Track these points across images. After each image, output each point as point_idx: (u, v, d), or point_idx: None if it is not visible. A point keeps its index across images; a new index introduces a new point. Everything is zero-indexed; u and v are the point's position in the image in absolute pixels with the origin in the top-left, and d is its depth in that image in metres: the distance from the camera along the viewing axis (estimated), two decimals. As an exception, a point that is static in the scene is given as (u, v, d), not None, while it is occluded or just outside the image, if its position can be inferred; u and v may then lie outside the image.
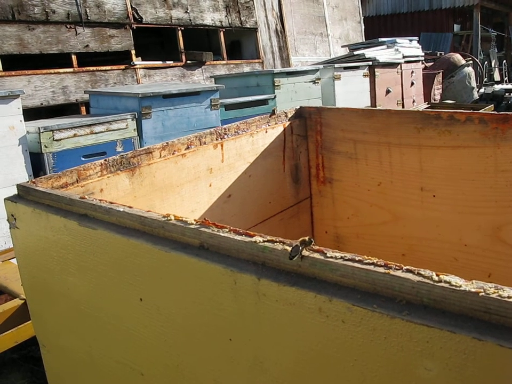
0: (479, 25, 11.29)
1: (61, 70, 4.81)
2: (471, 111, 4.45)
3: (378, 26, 14.21)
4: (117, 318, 0.96)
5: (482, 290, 0.54)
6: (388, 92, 5.62)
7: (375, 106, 5.52)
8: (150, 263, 0.83)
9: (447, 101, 6.79)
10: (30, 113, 4.20)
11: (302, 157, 1.82)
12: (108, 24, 5.17)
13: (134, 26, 5.32)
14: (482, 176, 1.48)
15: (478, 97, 7.83)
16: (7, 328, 2.35)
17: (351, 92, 5.35)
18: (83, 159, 3.53)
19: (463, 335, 0.53)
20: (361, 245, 1.80)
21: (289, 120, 1.76)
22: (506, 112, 1.42)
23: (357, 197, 1.76)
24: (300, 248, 0.66)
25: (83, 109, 4.92)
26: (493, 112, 1.44)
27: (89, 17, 5.01)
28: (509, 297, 0.53)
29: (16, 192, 1.14)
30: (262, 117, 1.68)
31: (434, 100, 6.78)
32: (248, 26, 6.43)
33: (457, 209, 1.55)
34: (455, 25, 13.57)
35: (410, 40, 6.36)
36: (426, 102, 6.29)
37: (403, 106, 5.83)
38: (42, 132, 3.31)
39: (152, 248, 0.81)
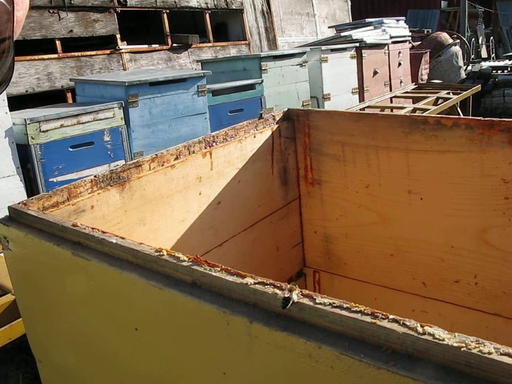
0: (466, 1, 11.23)
1: (45, 56, 4.75)
2: (458, 91, 4.45)
3: (365, 3, 14.08)
4: (111, 345, 0.99)
5: (464, 345, 0.57)
6: (375, 73, 5.61)
7: (363, 88, 5.52)
8: (144, 297, 0.85)
9: (435, 81, 6.80)
10: (15, 101, 4.17)
11: (290, 159, 1.83)
12: (91, 8, 5.10)
13: (119, 10, 5.26)
14: (468, 181, 1.51)
15: (465, 76, 7.84)
16: (0, 325, 2.35)
17: (339, 74, 5.34)
18: (71, 149, 3.52)
19: (445, 390, 0.56)
20: (350, 245, 1.83)
21: (277, 123, 1.77)
22: (492, 119, 1.44)
23: (345, 198, 1.79)
24: (291, 297, 0.68)
25: (69, 95, 4.88)
26: (479, 118, 1.46)
27: (72, 1, 4.94)
28: (489, 353, 0.56)
29: (7, 214, 1.15)
30: (250, 121, 1.69)
31: (422, 80, 6.79)
32: (234, 8, 6.37)
33: (444, 212, 1.58)
34: (442, 1, 13.48)
35: (397, 20, 6.33)
36: (414, 83, 6.29)
37: (390, 87, 5.84)
38: (29, 124, 3.29)
39: (145, 284, 0.83)
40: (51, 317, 1.13)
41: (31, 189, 3.41)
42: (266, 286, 0.73)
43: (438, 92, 5.64)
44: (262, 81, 4.58)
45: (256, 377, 0.75)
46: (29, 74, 4.67)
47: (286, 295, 0.68)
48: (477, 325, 1.64)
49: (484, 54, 12.03)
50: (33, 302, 1.17)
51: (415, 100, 5.57)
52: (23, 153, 3.36)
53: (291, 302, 0.68)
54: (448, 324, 1.69)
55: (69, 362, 1.16)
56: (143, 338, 0.90)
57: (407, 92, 5.95)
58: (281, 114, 1.79)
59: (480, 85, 5.93)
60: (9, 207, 1.14)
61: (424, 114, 1.57)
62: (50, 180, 3.41)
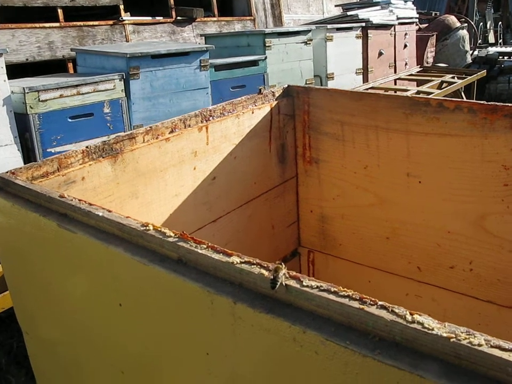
0: (476, -16, 11.06)
1: (47, 25, 4.68)
2: (463, 75, 4.40)
3: (373, -20, 13.83)
4: (96, 319, 0.97)
5: (454, 335, 0.55)
6: (380, 54, 5.53)
7: (367, 69, 5.44)
8: (129, 272, 0.83)
9: (440, 64, 6.71)
10: (15, 70, 4.11)
11: (288, 136, 1.80)
12: (95, -24, 5.02)
13: (123, -21, 5.17)
14: (469, 166, 1.48)
15: (471, 61, 7.73)
16: (-7, 295, 2.35)
17: (343, 53, 5.26)
18: (70, 120, 3.48)
19: (432, 381, 0.54)
20: (345, 226, 1.81)
21: (276, 99, 1.73)
22: (496, 103, 1.41)
23: (342, 178, 1.76)
24: (280, 277, 0.66)
25: (70, 65, 4.82)
26: (482, 102, 1.42)
27: (76, -31, 4.85)
28: (479, 345, 0.53)
29: (-5, 183, 1.12)
30: (249, 96, 1.65)
31: (427, 63, 6.69)
32: (240, -18, 6.26)
33: (442, 196, 1.55)
34: (451, -17, 13.27)
35: (405, 1, 6.22)
36: (419, 65, 6.21)
37: (395, 69, 5.75)
38: (27, 93, 3.25)
39: (130, 259, 0.81)
40: (37, 289, 1.11)
41: (29, 158, 3.38)
42: (252, 266, 0.70)
43: (443, 76, 5.57)
44: (266, 57, 4.52)
45: (240, 360, 0.73)
46: (29, 42, 4.61)
47: (273, 276, 0.66)
48: (470, 312, 1.62)
49: (492, 39, 11.84)
50: (19, 274, 1.15)
51: (419, 83, 5.50)
52: (21, 122, 3.32)
53: (279, 282, 0.65)
54: (441, 309, 1.68)
55: (54, 335, 1.14)
56: (127, 314, 0.88)
57: (411, 75, 5.87)
58: (281, 91, 1.75)
59: (485, 70, 5.84)
60: (-4, 176, 1.11)
61: (428, 96, 1.54)
62: (48, 150, 3.38)
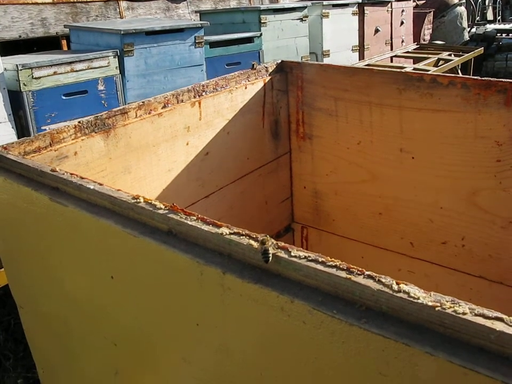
0: (475, -42, 10.93)
1: (39, 1, 4.62)
2: (460, 53, 4.37)
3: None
4: (89, 292, 0.98)
5: (439, 304, 0.55)
6: (376, 31, 5.49)
7: (363, 46, 5.41)
8: (120, 245, 0.83)
9: (437, 42, 6.66)
10: (8, 47, 4.07)
11: (282, 112, 1.80)
12: (88, -49, 4.94)
13: (117, -46, 5.10)
14: (461, 141, 1.48)
15: (469, 38, 7.69)
16: (-12, 272, 2.35)
17: (339, 30, 5.23)
18: (64, 97, 3.46)
19: (416, 349, 0.54)
20: (339, 202, 1.81)
21: (269, 75, 1.73)
22: (489, 78, 1.40)
23: (336, 154, 1.76)
24: (270, 249, 0.66)
25: (64, 42, 4.77)
26: (476, 77, 1.42)
27: None
28: (463, 313, 0.54)
29: (-13, 158, 1.12)
30: (242, 72, 1.64)
31: (424, 40, 6.65)
32: (236, -43, 6.17)
33: (435, 172, 1.56)
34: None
35: (402, -23, 6.17)
36: (416, 43, 6.17)
37: (392, 47, 5.72)
38: (21, 70, 3.22)
39: (121, 231, 0.81)
40: (30, 263, 1.12)
41: (23, 136, 3.36)
42: (241, 237, 0.71)
43: (440, 53, 5.54)
44: (261, 34, 4.49)
45: (229, 329, 0.74)
46: (22, 19, 4.56)
47: (264, 249, 0.66)
48: (461, 287, 1.64)
49: (490, 16, 11.73)
50: (13, 248, 1.16)
51: (416, 60, 5.47)
52: (15, 100, 3.30)
53: (271, 255, 0.66)
54: (433, 284, 1.69)
55: (49, 308, 1.15)
56: (119, 286, 0.89)
57: (408, 52, 5.83)
58: (274, 66, 1.74)
59: (482, 48, 5.80)
60: (-12, 150, 1.11)
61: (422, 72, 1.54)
62: (42, 127, 3.36)
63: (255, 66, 1.67)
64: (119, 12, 5.18)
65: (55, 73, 3.40)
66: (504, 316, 0.53)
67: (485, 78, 1.41)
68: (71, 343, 1.15)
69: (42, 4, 4.62)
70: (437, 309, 0.55)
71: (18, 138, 3.26)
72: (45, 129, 3.34)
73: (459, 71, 5.41)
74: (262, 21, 4.52)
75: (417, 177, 1.60)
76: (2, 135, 3.22)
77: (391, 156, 1.63)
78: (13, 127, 3.26)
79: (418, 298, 0.57)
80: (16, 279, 1.21)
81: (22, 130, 3.37)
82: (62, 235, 0.96)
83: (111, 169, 1.33)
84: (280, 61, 1.76)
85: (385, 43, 5.71)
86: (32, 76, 3.30)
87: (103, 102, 3.66)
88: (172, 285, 0.78)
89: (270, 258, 0.66)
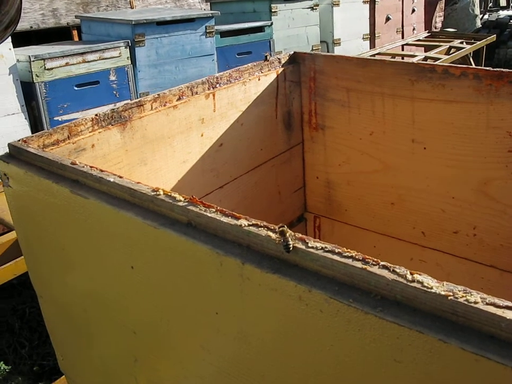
0: None
1: (51, -9, 4.65)
2: (472, 40, 4.35)
3: None
4: (109, 281, 1.01)
5: (451, 293, 0.57)
6: (387, 19, 5.48)
7: (374, 35, 5.40)
8: (140, 236, 0.86)
9: (448, 29, 6.62)
10: (20, 38, 4.10)
11: (294, 103, 1.81)
12: None
13: None
14: (473, 132, 1.49)
15: (481, 25, 7.62)
16: (5, 261, 2.39)
17: (350, 18, 5.22)
18: (76, 88, 3.49)
19: (430, 336, 0.57)
20: (351, 192, 1.83)
21: (282, 66, 1.74)
22: (501, 69, 1.41)
23: (348, 144, 1.78)
24: (290, 240, 0.68)
25: (75, 33, 4.80)
26: (488, 68, 1.43)
27: None
28: (475, 302, 0.56)
29: (7, 151, 1.15)
30: (255, 63, 1.66)
31: (435, 28, 6.62)
32: None
33: (447, 162, 1.57)
34: None
35: (414, -36, 6.13)
36: (427, 31, 6.14)
37: (403, 35, 5.70)
38: (33, 61, 3.26)
39: (141, 223, 0.84)
40: (50, 254, 1.15)
41: (36, 127, 3.41)
42: (259, 228, 0.73)
43: (451, 41, 5.51)
44: (272, 23, 4.49)
45: (248, 318, 0.76)
46: (33, 9, 4.58)
47: (283, 239, 0.69)
48: (473, 276, 1.65)
49: (503, 2, 11.59)
50: (33, 239, 1.19)
51: (427, 48, 5.45)
52: (27, 91, 3.33)
53: (291, 245, 0.68)
54: (445, 273, 1.71)
55: (68, 298, 1.19)
56: (139, 276, 0.92)
57: (419, 40, 5.81)
58: (287, 58, 1.76)
59: (495, 35, 5.77)
60: (9, 144, 1.14)
61: (435, 63, 1.55)
62: (55, 118, 3.40)
63: (268, 58, 1.68)
64: (129, 1, 5.20)
65: (67, 64, 3.43)
66: (515, 305, 0.55)
67: (497, 69, 1.42)
68: (90, 331, 1.18)
69: (53, -6, 4.65)
70: (449, 298, 0.57)
71: (31, 128, 3.31)
72: (58, 120, 3.38)
73: (471, 59, 5.38)
74: (272, 10, 4.53)
75: (429, 168, 1.61)
76: (16, 126, 3.26)
77: (403, 146, 1.64)
78: (25, 118, 3.30)
79: (431, 288, 0.59)
80: (36, 269, 1.25)
81: (34, 121, 3.41)
82: (83, 226, 0.99)
83: (128, 161, 1.36)
84: (292, 52, 1.78)
85: (396, 31, 5.70)
86: (45, 67, 3.33)
87: (114, 92, 3.69)
88: (191, 275, 0.81)
89: (291, 247, 0.68)
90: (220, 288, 0.78)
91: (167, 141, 1.44)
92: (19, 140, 1.14)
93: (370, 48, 5.43)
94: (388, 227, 1.79)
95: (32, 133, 3.28)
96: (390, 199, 1.74)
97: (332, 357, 0.67)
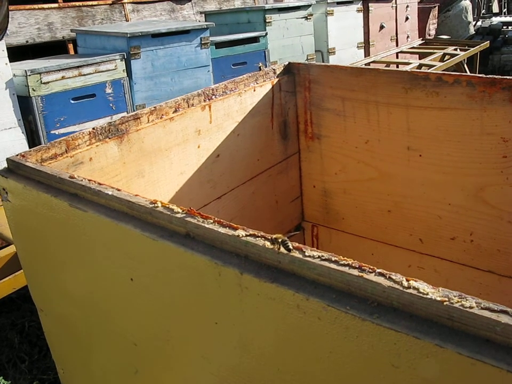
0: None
1: (45, 6, 4.67)
2: (466, 47, 4.38)
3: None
4: (109, 294, 1.01)
5: (447, 299, 0.58)
6: (381, 27, 5.51)
7: (368, 43, 5.43)
8: (139, 248, 0.87)
9: (442, 37, 6.67)
10: (16, 52, 4.12)
11: (290, 113, 1.83)
12: (93, -45, 4.99)
13: (121, -43, 5.14)
14: (468, 138, 1.51)
15: (474, 32, 7.67)
16: (4, 275, 2.39)
17: (344, 27, 5.25)
18: (72, 101, 3.50)
19: (426, 341, 0.57)
20: (348, 200, 1.84)
21: (277, 76, 1.76)
22: (494, 76, 1.43)
23: (344, 153, 1.79)
24: (288, 241, 0.70)
25: (71, 46, 4.82)
26: (481, 75, 1.44)
27: None
28: (470, 307, 0.57)
29: (6, 166, 1.16)
30: (250, 74, 1.67)
31: (429, 35, 6.66)
32: (239, -43, 6.20)
33: (443, 169, 1.58)
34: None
35: (406, -28, 6.18)
36: (421, 38, 6.18)
37: (397, 42, 5.74)
38: (30, 75, 3.27)
39: (140, 235, 0.85)
40: (50, 268, 1.16)
41: (33, 141, 3.41)
42: (257, 238, 0.74)
43: (445, 48, 5.55)
44: (266, 34, 4.52)
45: (247, 327, 0.77)
46: (29, 24, 4.60)
47: (281, 240, 0.70)
48: (471, 281, 1.66)
49: (495, 8, 11.66)
50: (32, 253, 1.20)
51: (422, 56, 5.48)
52: (24, 105, 3.34)
53: (290, 244, 0.69)
54: (443, 280, 1.72)
55: (69, 311, 1.19)
56: (138, 288, 0.92)
57: (413, 48, 5.85)
58: (282, 68, 1.77)
59: (488, 42, 5.80)
60: (7, 159, 1.15)
61: (428, 70, 1.56)
62: (52, 132, 3.41)
63: (262, 68, 1.70)
64: (125, 14, 5.22)
65: (63, 77, 3.45)
66: (508, 309, 0.56)
67: (490, 76, 1.44)
68: (91, 344, 1.19)
69: (48, 8, 4.67)
70: (445, 303, 0.58)
71: (28, 143, 3.31)
72: (55, 134, 3.39)
73: (465, 66, 5.42)
74: (267, 21, 4.55)
75: (425, 175, 1.63)
76: (13, 140, 3.27)
77: (399, 154, 1.65)
78: (22, 132, 3.31)
79: (427, 294, 0.60)
80: (36, 282, 1.25)
81: (31, 135, 3.42)
82: (82, 239, 1.00)
83: (125, 173, 1.36)
84: (287, 62, 1.79)
85: (391, 39, 5.74)
86: (41, 81, 3.34)
87: (111, 105, 3.70)
88: (190, 285, 0.82)
89: (291, 247, 0.69)
90: (218, 298, 0.78)
91: (164, 153, 1.45)
92: (17, 155, 1.15)
93: (365, 57, 5.46)
94: (385, 234, 1.80)
95: (30, 147, 3.30)
96: (387, 207, 1.75)
97: (331, 363, 0.68)
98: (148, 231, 0.85)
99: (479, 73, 1.37)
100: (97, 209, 0.94)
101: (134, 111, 3.70)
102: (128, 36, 3.66)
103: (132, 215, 0.90)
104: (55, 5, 4.71)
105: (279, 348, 0.75)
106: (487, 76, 1.44)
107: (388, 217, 1.76)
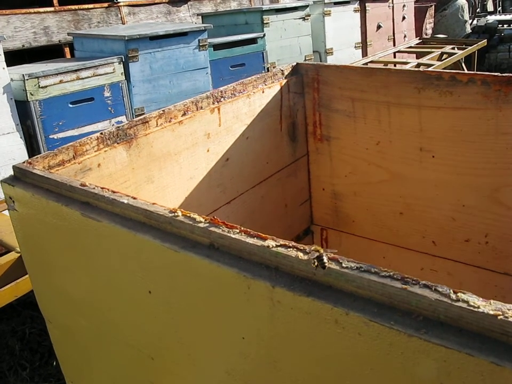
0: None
1: (41, 10, 4.63)
2: (463, 46, 4.36)
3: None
4: (124, 306, 0.97)
5: (500, 313, 0.55)
6: (378, 27, 5.49)
7: (366, 43, 5.41)
8: (159, 260, 0.83)
9: (439, 36, 6.65)
10: (12, 57, 4.07)
11: (299, 114, 1.79)
12: (88, -42, 4.95)
13: (116, -40, 5.10)
14: (483, 139, 1.47)
15: (471, 31, 7.66)
16: (5, 282, 2.35)
17: (342, 28, 5.23)
18: (70, 105, 3.46)
19: (481, 358, 0.54)
20: (358, 203, 1.81)
21: (285, 77, 1.72)
22: (510, 74, 1.39)
23: (354, 155, 1.75)
24: (325, 258, 0.65)
25: (67, 50, 4.77)
26: (496, 74, 1.41)
27: (68, -49, 4.78)
28: (528, 321, 0.53)
29: (12, 173, 1.11)
30: (258, 76, 1.64)
31: (426, 35, 6.65)
32: (235, -42, 6.17)
33: (456, 170, 1.55)
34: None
35: (403, -28, 6.16)
36: (418, 37, 6.16)
37: (394, 42, 5.72)
38: (27, 79, 3.22)
39: (160, 246, 0.81)
40: (60, 279, 1.11)
41: (31, 146, 3.37)
42: (289, 249, 0.70)
43: (443, 47, 5.52)
44: (264, 35, 4.49)
45: (278, 343, 0.73)
46: (24, 28, 4.55)
47: (318, 255, 0.66)
48: (486, 284, 1.63)
49: (490, 7, 11.66)
50: (41, 264, 1.15)
51: (419, 55, 5.46)
52: (22, 109, 3.30)
53: (326, 259, 0.65)
54: (457, 282, 1.68)
55: (79, 324, 1.15)
56: (157, 301, 0.88)
57: (411, 47, 5.83)
58: (290, 69, 1.74)
59: (485, 40, 5.79)
60: (13, 166, 1.10)
61: (436, 69, 1.53)
62: (50, 136, 3.36)
63: (269, 69, 1.66)
64: (121, 17, 5.18)
65: (61, 81, 3.40)
66: None
67: (506, 74, 1.40)
68: (101, 357, 1.14)
69: (44, 12, 4.62)
70: (499, 317, 0.55)
71: (27, 148, 3.27)
72: (53, 138, 3.34)
73: (463, 64, 5.40)
74: (264, 22, 4.52)
75: (438, 176, 1.59)
76: (12, 145, 3.22)
77: (411, 155, 1.62)
78: (21, 137, 3.27)
79: (478, 307, 0.56)
80: (45, 294, 1.21)
81: (30, 139, 3.38)
82: (95, 250, 0.96)
83: (134, 179, 1.32)
84: (295, 63, 1.76)
85: (388, 39, 5.71)
86: (39, 85, 3.30)
87: (109, 108, 3.66)
88: (216, 299, 0.78)
89: (327, 264, 0.65)
90: (247, 312, 0.74)
91: (174, 158, 1.41)
92: (24, 162, 1.11)
93: (362, 57, 5.43)
94: (397, 237, 1.76)
95: (28, 152, 3.26)
96: (399, 209, 1.72)
97: (372, 381, 0.64)
98: (168, 242, 0.81)
99: (477, 71, 1.36)
100: (112, 219, 0.89)
101: (132, 114, 3.66)
102: (126, 38, 3.62)
103: (150, 225, 0.86)
104: (51, 9, 4.67)
105: (313, 365, 0.71)
106: (503, 75, 1.40)
107: (399, 219, 1.72)
